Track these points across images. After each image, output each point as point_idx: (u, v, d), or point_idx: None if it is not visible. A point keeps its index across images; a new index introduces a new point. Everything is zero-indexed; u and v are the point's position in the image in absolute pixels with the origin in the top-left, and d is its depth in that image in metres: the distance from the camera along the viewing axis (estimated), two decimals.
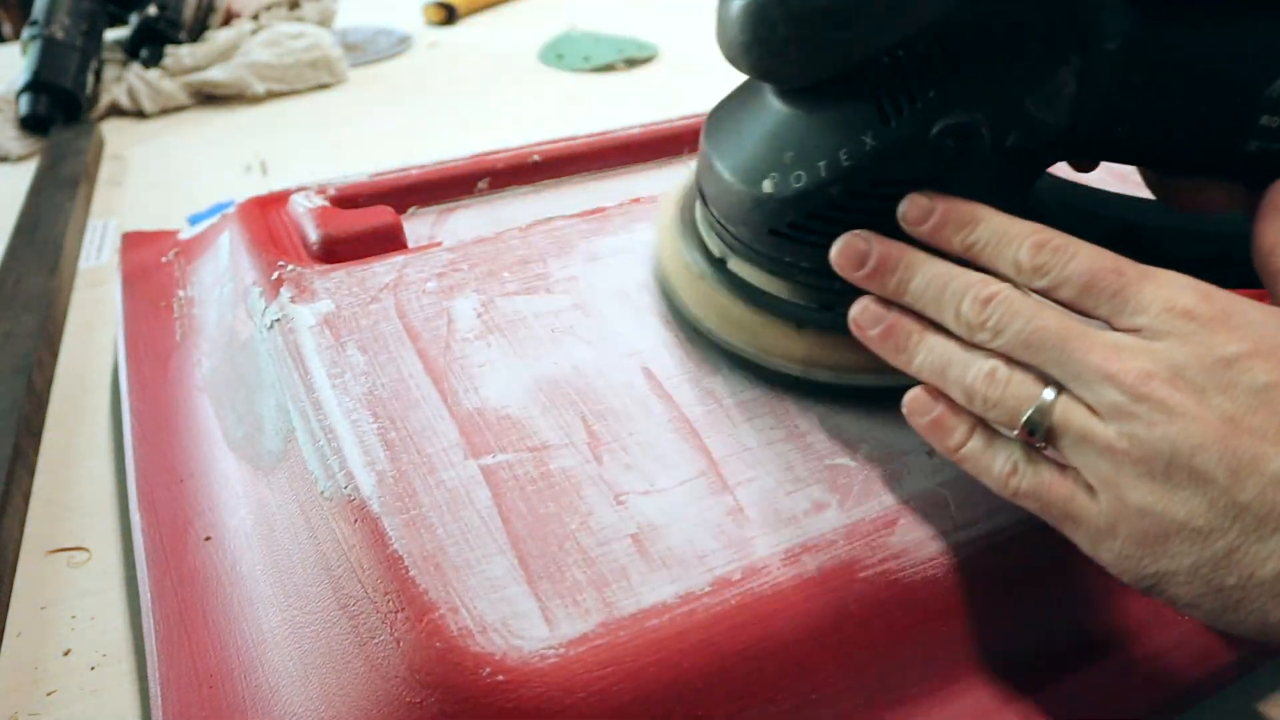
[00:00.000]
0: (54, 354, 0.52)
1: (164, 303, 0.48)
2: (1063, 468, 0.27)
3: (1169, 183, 0.32)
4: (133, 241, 0.55)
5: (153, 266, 0.51)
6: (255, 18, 0.96)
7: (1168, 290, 0.26)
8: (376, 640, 0.28)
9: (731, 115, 0.34)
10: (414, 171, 0.51)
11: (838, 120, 0.30)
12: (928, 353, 0.30)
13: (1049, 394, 0.27)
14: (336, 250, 0.43)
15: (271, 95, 0.88)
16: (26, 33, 0.82)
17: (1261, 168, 0.29)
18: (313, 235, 0.44)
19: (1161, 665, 0.32)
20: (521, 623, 0.27)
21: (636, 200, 0.46)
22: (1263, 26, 0.28)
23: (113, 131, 0.82)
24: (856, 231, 0.31)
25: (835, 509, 0.31)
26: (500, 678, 0.26)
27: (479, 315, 0.38)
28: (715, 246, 0.35)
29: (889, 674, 0.30)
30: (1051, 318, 0.27)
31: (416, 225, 0.49)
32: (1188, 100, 0.29)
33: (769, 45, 0.30)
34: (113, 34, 0.92)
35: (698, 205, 0.36)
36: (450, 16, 1.11)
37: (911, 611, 0.30)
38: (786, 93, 0.32)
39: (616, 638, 0.27)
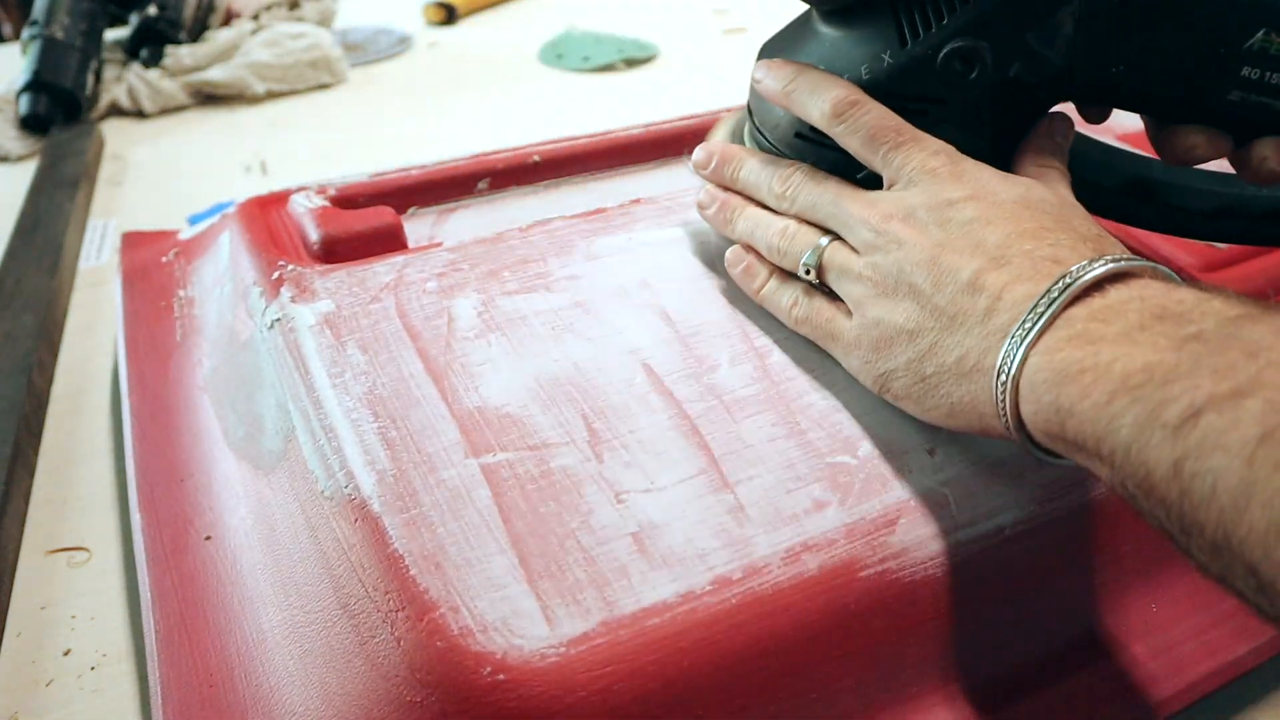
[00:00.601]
0: (54, 354, 0.52)
1: (164, 303, 0.48)
2: (831, 300, 0.35)
3: (1164, 134, 0.35)
4: (133, 241, 0.55)
5: (153, 266, 0.51)
6: (255, 18, 0.96)
7: (925, 153, 0.33)
8: (377, 639, 0.28)
9: (780, 41, 0.39)
10: (414, 172, 0.51)
11: (863, 39, 0.35)
12: (745, 220, 0.38)
13: (824, 240, 0.34)
14: (337, 250, 0.43)
15: (271, 95, 0.88)
16: (26, 33, 0.82)
17: (1243, 118, 0.33)
18: (313, 235, 0.44)
19: (1161, 664, 0.32)
20: (522, 622, 0.27)
21: (637, 201, 0.46)
22: None
23: (113, 131, 0.82)
24: (705, 144, 0.40)
25: (836, 507, 0.31)
26: (501, 677, 0.26)
27: (479, 314, 0.38)
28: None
29: (889, 674, 0.30)
30: (833, 183, 0.35)
31: (417, 225, 0.49)
32: (1176, 47, 0.32)
33: None
34: (113, 34, 0.92)
35: (746, 123, 0.41)
36: (450, 16, 1.11)
37: (912, 611, 0.30)
38: (825, 15, 0.37)
39: (617, 637, 0.27)
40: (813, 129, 0.36)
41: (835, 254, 0.34)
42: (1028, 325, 0.27)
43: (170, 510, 0.37)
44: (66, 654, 0.35)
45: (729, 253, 0.39)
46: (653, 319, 0.38)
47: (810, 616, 0.29)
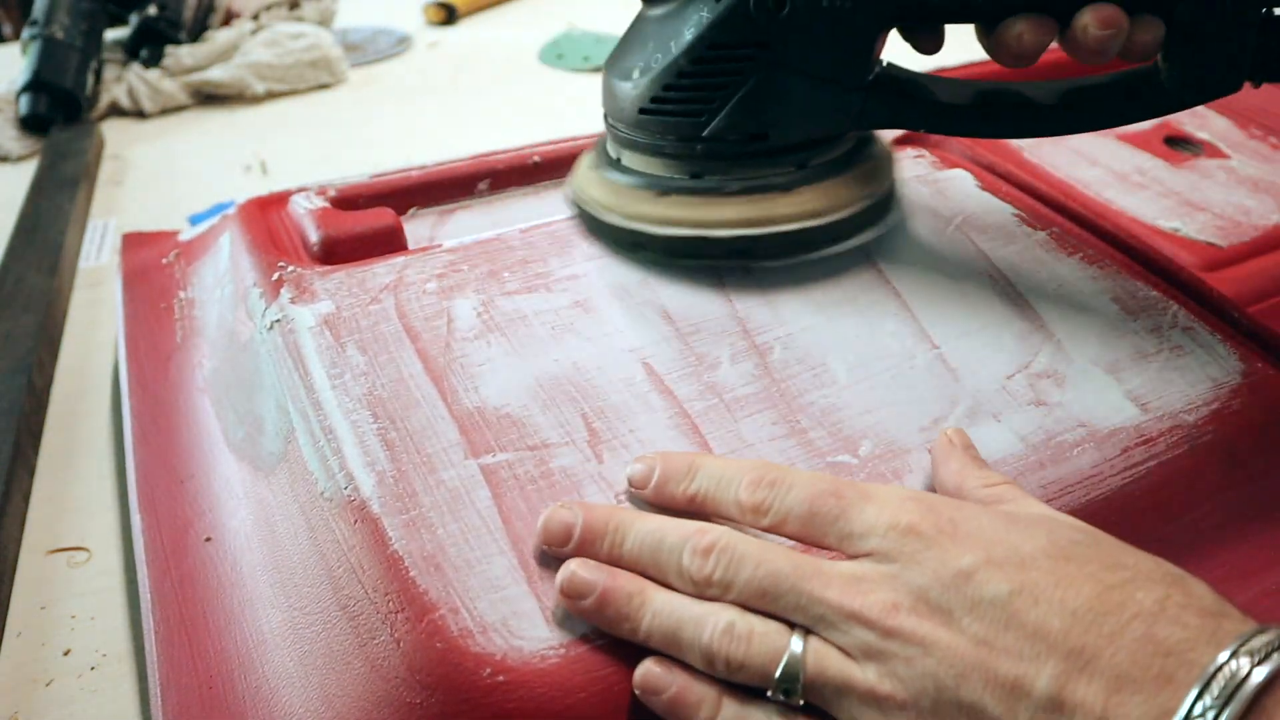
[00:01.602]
0: (54, 354, 0.52)
1: (164, 304, 0.48)
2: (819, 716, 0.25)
3: (992, 37, 0.35)
4: (133, 242, 0.55)
5: (153, 267, 0.51)
6: (255, 18, 0.96)
7: (889, 509, 0.25)
8: (377, 641, 0.28)
9: (620, 42, 0.41)
10: (414, 173, 0.51)
11: (682, 8, 0.37)
12: (653, 615, 0.26)
13: (797, 644, 0.25)
14: (337, 251, 0.43)
15: (271, 95, 0.88)
16: (26, 33, 0.82)
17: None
18: (313, 236, 0.44)
19: None
20: (522, 623, 0.27)
21: None
22: None
23: (113, 131, 0.82)
24: (561, 502, 0.29)
25: None
26: (501, 678, 0.26)
27: (479, 315, 0.38)
28: (613, 149, 0.42)
29: None
30: (780, 556, 0.25)
31: (417, 226, 0.49)
32: None
33: None
34: (113, 34, 0.92)
35: (605, 125, 0.42)
36: (450, 16, 1.10)
37: None
38: (650, 1, 0.38)
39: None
40: (654, 98, 0.38)
41: (826, 663, 0.24)
42: None
43: (170, 511, 0.37)
44: (66, 654, 0.35)
45: (641, 672, 0.26)
46: (653, 317, 0.38)
47: None
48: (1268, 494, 0.35)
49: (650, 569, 0.27)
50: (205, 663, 0.31)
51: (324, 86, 0.91)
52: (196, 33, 0.91)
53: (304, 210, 0.45)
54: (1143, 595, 0.22)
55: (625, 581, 0.27)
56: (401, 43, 1.03)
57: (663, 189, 0.39)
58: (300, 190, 0.48)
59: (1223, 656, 0.20)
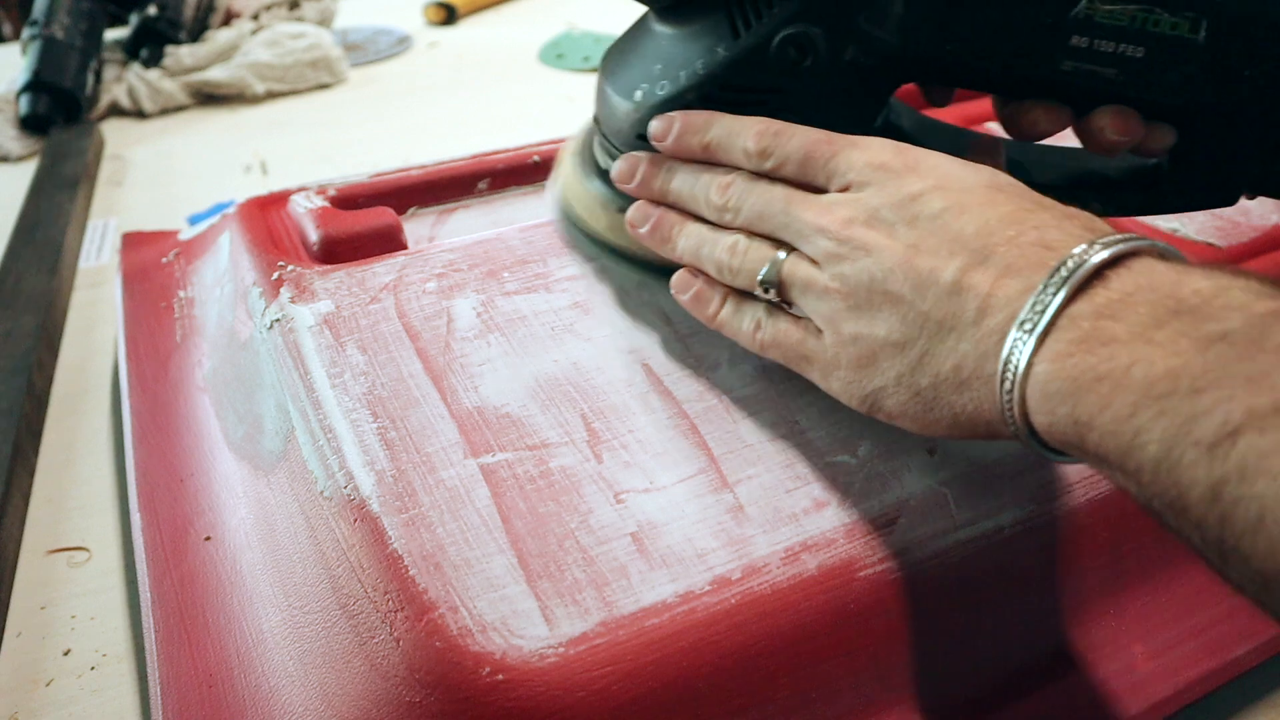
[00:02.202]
0: (54, 354, 0.52)
1: (164, 303, 0.48)
2: (797, 319, 0.32)
3: (1008, 110, 0.35)
4: (133, 241, 0.55)
5: (153, 267, 0.51)
6: (255, 18, 0.96)
7: (869, 151, 0.30)
8: (376, 639, 0.28)
9: (620, 45, 0.38)
10: (414, 172, 0.51)
11: (697, 34, 0.34)
12: (686, 238, 0.34)
13: (780, 255, 0.31)
14: (336, 251, 0.43)
15: (271, 95, 0.88)
16: (26, 33, 0.82)
17: (1079, 88, 0.33)
18: (313, 236, 0.44)
19: (1161, 663, 0.32)
20: (521, 622, 0.27)
21: None
22: None
23: (113, 131, 0.82)
24: (629, 154, 0.36)
25: (835, 507, 0.31)
26: (500, 677, 0.26)
27: (479, 315, 0.38)
28: (602, 160, 0.39)
29: (888, 673, 0.30)
30: (778, 190, 0.32)
31: (417, 226, 0.49)
32: (1004, 20, 0.32)
33: None
34: (113, 34, 0.92)
35: (595, 136, 0.40)
36: (450, 16, 1.11)
37: (911, 610, 0.30)
38: (661, 14, 0.36)
39: (616, 637, 0.27)
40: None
41: (796, 268, 0.31)
42: (1028, 327, 0.25)
43: (170, 510, 0.37)
44: (66, 654, 0.35)
45: (675, 277, 0.35)
46: (652, 318, 0.38)
47: (809, 616, 0.29)
48: None
49: (687, 202, 0.34)
50: (205, 661, 0.31)
51: (324, 86, 0.91)
52: (196, 33, 0.91)
53: (304, 210, 0.46)
54: (1048, 216, 0.27)
55: (671, 215, 0.35)
56: (401, 43, 1.03)
57: None
58: (300, 190, 0.48)
59: (1080, 248, 0.25)
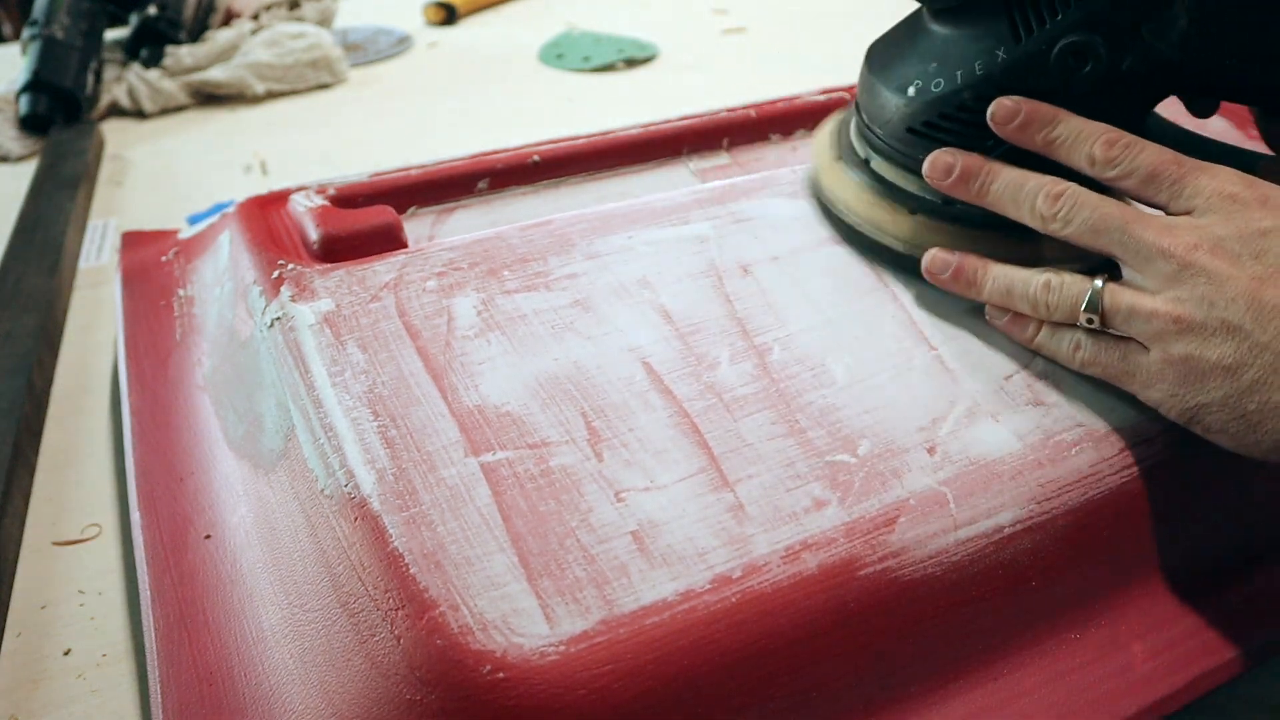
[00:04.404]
0: (54, 354, 0.52)
1: (164, 302, 0.48)
2: (1118, 338, 0.33)
3: (1274, 124, 0.36)
4: (132, 241, 0.55)
5: (152, 266, 0.51)
6: (255, 18, 0.96)
7: (1218, 180, 0.31)
8: (377, 638, 0.28)
9: (889, 40, 0.40)
10: (414, 171, 0.51)
11: (976, 36, 0.35)
12: (993, 281, 0.36)
13: (1098, 283, 0.32)
14: (336, 249, 0.43)
15: (271, 95, 0.88)
16: (26, 33, 0.82)
17: None
18: (313, 234, 0.44)
19: (1161, 663, 0.32)
20: (522, 620, 0.27)
21: (636, 200, 0.46)
22: None
23: (113, 131, 0.82)
24: (944, 149, 0.36)
25: (835, 506, 0.31)
26: (500, 675, 0.26)
27: (479, 313, 0.38)
28: (861, 149, 0.41)
29: (889, 673, 0.30)
30: (1114, 206, 0.32)
31: (417, 225, 0.49)
32: None
33: None
34: (113, 34, 0.92)
35: (853, 119, 0.42)
36: (450, 16, 1.11)
37: (911, 610, 0.30)
38: (937, 13, 0.37)
39: (616, 635, 0.27)
40: (926, 122, 0.37)
41: (1118, 296, 0.32)
42: None
43: (170, 509, 0.37)
44: (66, 654, 0.35)
45: (988, 308, 0.37)
46: (653, 317, 0.38)
47: (809, 615, 0.29)
48: None
49: (1009, 207, 0.35)
50: (205, 659, 0.31)
51: (324, 86, 0.91)
52: (196, 33, 0.91)
53: (304, 208, 0.46)
54: None
55: (972, 259, 0.36)
56: (401, 43, 1.03)
57: (913, 208, 0.39)
58: (300, 189, 0.48)
59: None
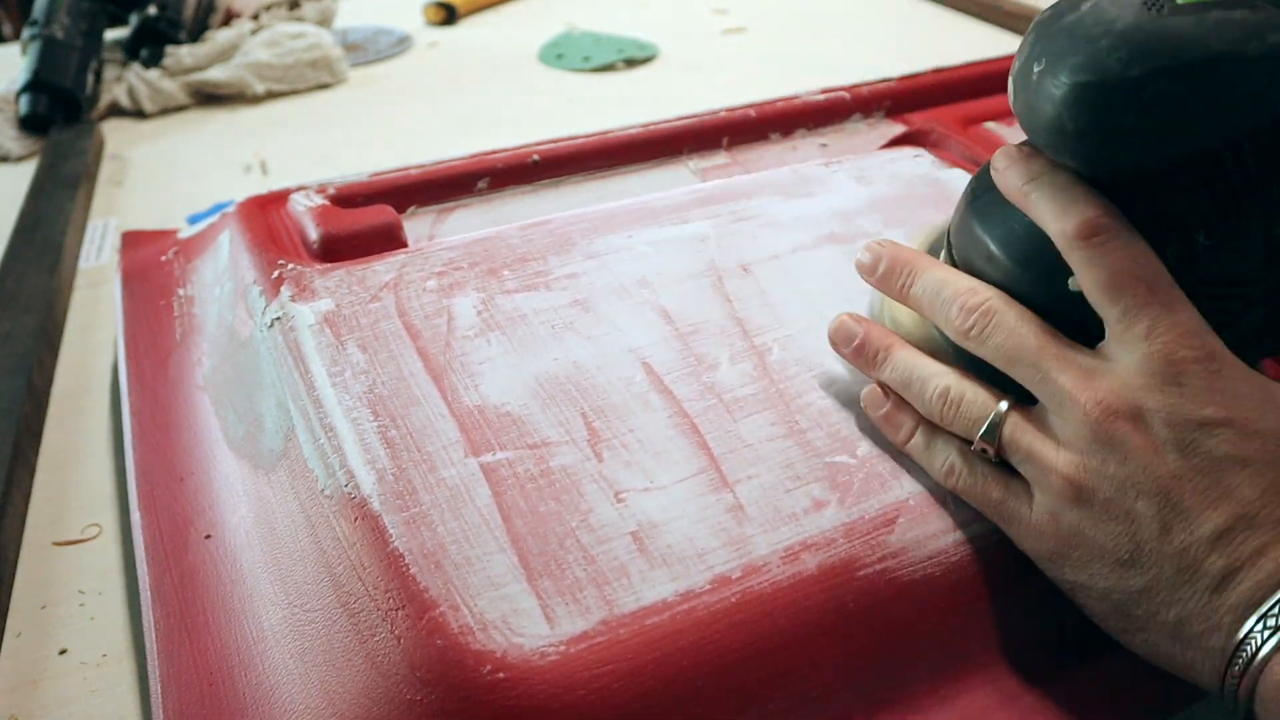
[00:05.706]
0: (54, 354, 0.52)
1: (164, 302, 0.48)
2: (1001, 475, 0.29)
3: None
4: (132, 241, 0.55)
5: (152, 266, 0.51)
6: (255, 18, 0.96)
7: (1175, 333, 0.26)
8: (377, 638, 0.28)
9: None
10: (414, 171, 0.51)
11: (1161, 216, 0.27)
12: (894, 369, 0.32)
13: (1002, 407, 0.29)
14: (336, 249, 0.43)
15: (271, 95, 0.88)
16: (26, 33, 0.82)
17: None
18: (313, 234, 0.44)
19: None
20: (522, 620, 0.27)
21: (635, 200, 0.46)
22: None
23: (113, 131, 0.82)
24: (873, 243, 0.34)
25: (835, 507, 0.31)
26: (501, 675, 0.26)
27: (479, 313, 0.38)
28: None
29: (888, 673, 0.30)
30: (1031, 332, 0.28)
31: (416, 225, 0.49)
32: None
33: (1107, 136, 0.27)
34: (113, 34, 0.92)
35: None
36: (450, 16, 1.11)
37: (911, 610, 0.30)
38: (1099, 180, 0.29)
39: (616, 635, 0.27)
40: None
41: (1020, 433, 0.28)
42: (1272, 624, 0.23)
43: (170, 509, 0.37)
44: (65, 653, 0.35)
45: (865, 392, 0.33)
46: (652, 317, 0.38)
47: (809, 616, 0.29)
48: None
49: (926, 309, 0.31)
50: (205, 659, 0.31)
51: (324, 86, 0.91)
52: (196, 33, 0.91)
53: (303, 208, 0.46)
54: None
55: (878, 335, 0.33)
56: (401, 43, 1.03)
57: None
58: (300, 188, 0.48)
59: None
